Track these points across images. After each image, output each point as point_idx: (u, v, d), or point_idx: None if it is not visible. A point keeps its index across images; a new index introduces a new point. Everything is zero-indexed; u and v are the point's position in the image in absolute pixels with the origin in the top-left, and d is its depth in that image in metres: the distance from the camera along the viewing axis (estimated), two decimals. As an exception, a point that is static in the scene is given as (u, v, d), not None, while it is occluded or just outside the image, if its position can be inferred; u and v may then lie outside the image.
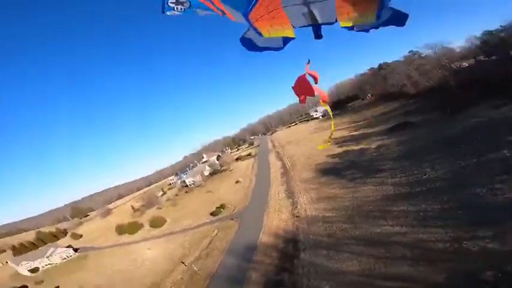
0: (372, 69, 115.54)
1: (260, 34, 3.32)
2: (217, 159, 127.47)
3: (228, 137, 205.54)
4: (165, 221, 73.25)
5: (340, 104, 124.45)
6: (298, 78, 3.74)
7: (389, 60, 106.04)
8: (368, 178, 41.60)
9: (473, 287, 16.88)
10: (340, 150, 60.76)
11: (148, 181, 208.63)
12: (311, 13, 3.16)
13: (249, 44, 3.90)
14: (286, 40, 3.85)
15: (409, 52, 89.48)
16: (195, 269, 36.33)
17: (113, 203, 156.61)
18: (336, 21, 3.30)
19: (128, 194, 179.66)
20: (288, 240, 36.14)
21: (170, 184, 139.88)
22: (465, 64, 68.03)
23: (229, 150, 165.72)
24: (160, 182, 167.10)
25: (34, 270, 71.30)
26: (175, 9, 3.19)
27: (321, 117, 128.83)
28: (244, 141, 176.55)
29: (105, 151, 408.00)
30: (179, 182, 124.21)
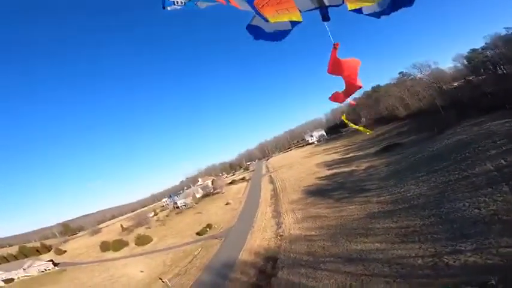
0: (366, 92, 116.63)
1: (266, 20, 3.21)
2: (212, 183, 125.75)
3: (224, 162, 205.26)
4: (151, 239, 70.49)
5: (335, 129, 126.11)
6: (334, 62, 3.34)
7: (382, 83, 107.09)
8: (354, 198, 40.62)
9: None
10: (329, 172, 60.24)
11: (143, 204, 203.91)
12: None
13: (255, 32, 3.83)
14: (293, 24, 3.72)
15: (399, 74, 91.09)
16: (168, 283, 34.08)
17: (104, 223, 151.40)
18: (343, 3, 3.21)
19: (121, 215, 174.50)
20: (268, 258, 34.37)
21: (163, 206, 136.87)
22: (455, 84, 69.67)
23: (224, 175, 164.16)
24: (154, 204, 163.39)
25: (9, 280, 69.69)
26: (175, 3, 3.06)
27: (315, 142, 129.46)
28: (240, 167, 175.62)
29: (102, 174, 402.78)
30: (171, 203, 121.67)
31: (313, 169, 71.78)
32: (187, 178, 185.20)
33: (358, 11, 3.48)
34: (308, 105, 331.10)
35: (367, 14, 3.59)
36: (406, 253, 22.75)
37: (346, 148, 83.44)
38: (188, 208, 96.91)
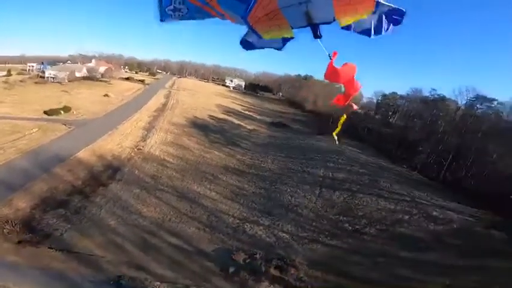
0: (298, 76, 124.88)
1: (260, 36, 3.29)
2: (104, 70, 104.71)
3: (134, 58, 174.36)
4: None
5: (254, 88, 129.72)
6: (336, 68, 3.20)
7: (317, 76, 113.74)
8: (225, 147, 43.01)
9: (225, 263, 18.36)
10: (222, 116, 61.31)
11: (4, 60, 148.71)
12: (308, 13, 3.05)
13: (248, 46, 3.87)
14: (285, 40, 3.78)
15: None
16: None
17: None
18: (334, 20, 3.21)
19: None
20: (109, 166, 32.22)
21: (26, 70, 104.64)
22: (359, 110, 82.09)
23: (125, 69, 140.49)
24: (14, 65, 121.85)
25: None
26: (172, 16, 3.17)
27: (232, 88, 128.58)
28: (149, 70, 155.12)
29: None
30: (38, 71, 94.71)
31: (211, 107, 71.09)
32: (80, 55, 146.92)
33: (348, 28, 3.56)
34: (249, 57, 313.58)
35: (357, 32, 3.66)
36: (227, 209, 26.02)
37: (250, 106, 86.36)
38: (56, 83, 78.16)
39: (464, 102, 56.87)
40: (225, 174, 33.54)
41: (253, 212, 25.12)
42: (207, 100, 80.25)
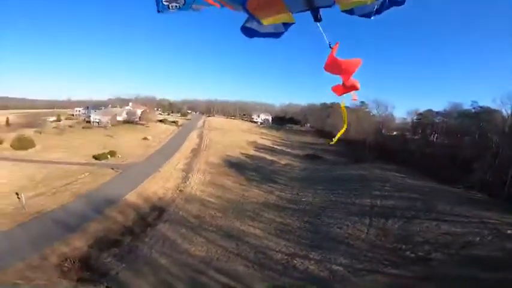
0: (323, 104, 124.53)
1: (260, 22, 3.22)
2: (141, 113, 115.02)
3: (166, 99, 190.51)
4: (34, 146, 59.28)
5: (281, 121, 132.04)
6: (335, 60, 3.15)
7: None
8: (262, 184, 43.04)
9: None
10: (254, 153, 62.28)
11: (52, 105, 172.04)
12: None
13: (249, 33, 3.77)
14: (287, 25, 3.68)
15: (360, 102, 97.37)
16: (23, 200, 29.37)
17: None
18: (334, 3, 3.09)
19: (17, 109, 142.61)
20: (155, 208, 33.47)
21: (73, 115, 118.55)
22: (394, 133, 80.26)
23: (159, 111, 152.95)
24: (62, 110, 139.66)
25: None
26: (170, 7, 3.09)
27: (259, 123, 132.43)
28: (179, 111, 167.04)
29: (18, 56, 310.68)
30: (84, 116, 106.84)
31: (243, 144, 72.98)
32: (117, 98, 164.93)
33: (350, 12, 3.42)
34: (270, 90, 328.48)
35: (359, 15, 3.48)
36: (273, 246, 25.17)
37: (280, 140, 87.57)
38: (100, 127, 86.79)
39: (510, 111, 51.50)
40: (267, 210, 33.13)
41: (301, 246, 24.06)
42: (238, 138, 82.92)
